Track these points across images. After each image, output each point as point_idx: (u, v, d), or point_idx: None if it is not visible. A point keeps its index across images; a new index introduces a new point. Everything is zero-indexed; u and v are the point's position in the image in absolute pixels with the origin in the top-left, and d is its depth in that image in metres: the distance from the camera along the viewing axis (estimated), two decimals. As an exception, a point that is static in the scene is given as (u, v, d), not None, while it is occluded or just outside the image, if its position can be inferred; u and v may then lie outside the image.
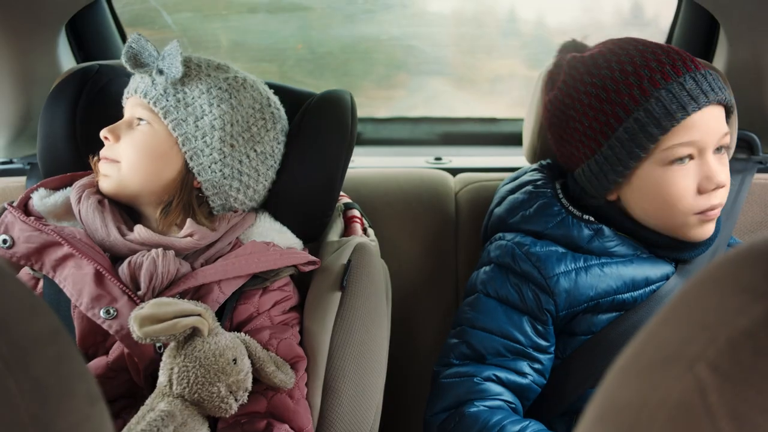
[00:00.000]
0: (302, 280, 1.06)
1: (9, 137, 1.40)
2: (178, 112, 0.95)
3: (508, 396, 0.99)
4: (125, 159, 0.96)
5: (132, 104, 0.99)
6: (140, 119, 0.97)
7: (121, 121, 0.99)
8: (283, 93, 1.11)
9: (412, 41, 1.99)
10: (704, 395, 0.29)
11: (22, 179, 1.34)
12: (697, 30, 1.51)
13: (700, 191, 0.97)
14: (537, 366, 1.01)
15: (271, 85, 1.09)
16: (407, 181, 1.42)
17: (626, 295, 1.01)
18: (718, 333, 0.30)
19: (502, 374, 1.00)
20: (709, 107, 0.95)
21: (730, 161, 1.25)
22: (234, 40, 2.00)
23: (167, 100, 0.95)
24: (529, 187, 1.12)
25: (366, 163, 1.58)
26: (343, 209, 1.18)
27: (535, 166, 1.19)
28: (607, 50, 1.01)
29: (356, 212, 1.18)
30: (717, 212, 1.00)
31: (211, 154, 0.96)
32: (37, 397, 0.31)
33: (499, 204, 1.15)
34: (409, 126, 1.88)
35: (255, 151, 1.00)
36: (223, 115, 0.96)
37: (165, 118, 0.95)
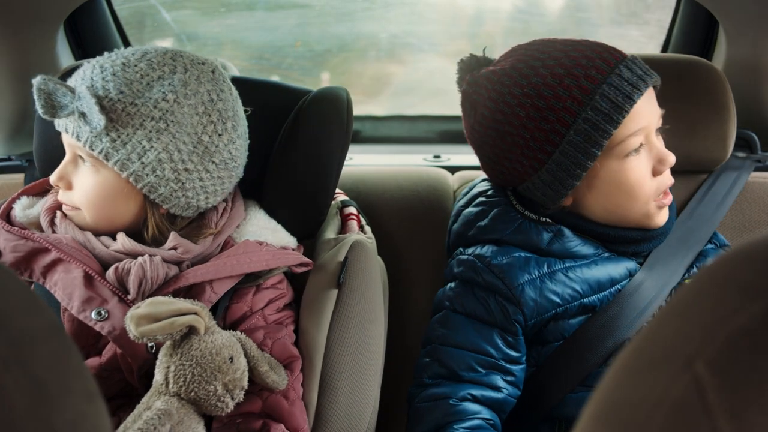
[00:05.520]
0: (298, 277, 1.06)
1: (7, 134, 1.40)
2: (118, 153, 0.88)
3: (486, 413, 0.97)
4: (84, 207, 0.93)
5: (68, 142, 0.93)
6: (82, 157, 0.92)
7: (65, 162, 0.94)
8: (280, 90, 1.11)
9: (410, 39, 1.99)
10: (702, 394, 0.29)
11: (20, 176, 1.34)
12: (696, 28, 1.51)
13: (655, 174, 0.99)
14: (510, 378, 1.00)
15: (268, 83, 1.09)
16: (406, 179, 1.41)
17: (592, 298, 1.01)
18: (717, 331, 0.30)
19: (478, 392, 0.98)
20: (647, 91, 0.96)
21: (729, 159, 1.26)
22: (232, 38, 2.00)
23: (102, 141, 0.87)
24: (480, 199, 1.11)
25: (364, 161, 1.58)
26: (339, 207, 1.18)
27: (483, 176, 1.17)
28: (527, 57, 0.98)
29: (353, 210, 1.18)
30: (669, 194, 1.02)
31: (167, 185, 0.91)
32: (34, 394, 0.31)
33: (455, 221, 1.14)
34: (408, 124, 1.88)
35: (213, 162, 0.93)
36: (167, 146, 0.89)
37: (107, 161, 0.88)
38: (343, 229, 1.14)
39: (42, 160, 1.12)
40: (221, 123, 0.93)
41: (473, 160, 1.60)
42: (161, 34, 1.89)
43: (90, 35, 1.54)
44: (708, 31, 1.49)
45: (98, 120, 0.85)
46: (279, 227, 1.05)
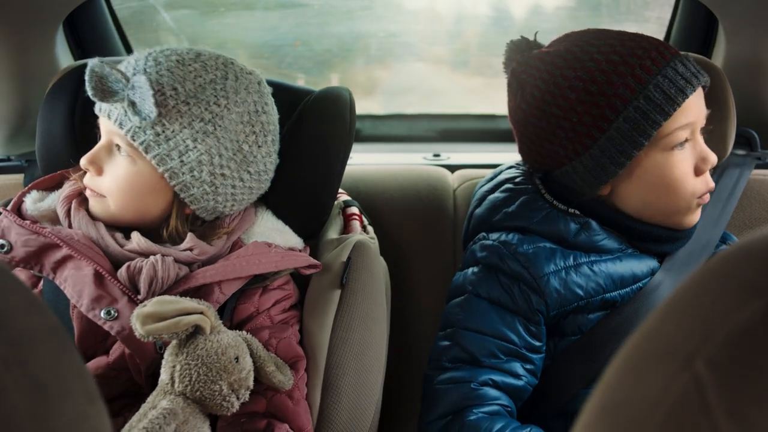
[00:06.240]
0: (302, 278, 1.06)
1: (6, 134, 1.40)
2: (159, 147, 0.88)
3: (504, 400, 0.97)
4: (112, 197, 0.93)
5: (107, 128, 0.92)
6: (119, 146, 0.92)
7: (99, 147, 0.93)
8: (282, 90, 1.10)
9: (410, 38, 1.99)
10: (702, 392, 0.29)
11: (20, 177, 1.34)
12: (696, 25, 1.51)
13: (697, 173, 0.99)
14: (530, 367, 0.99)
15: (269, 83, 1.09)
16: (406, 178, 1.41)
17: (614, 294, 1.01)
18: (716, 329, 0.30)
19: (498, 378, 0.97)
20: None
21: (729, 157, 1.26)
22: (231, 37, 2.00)
23: (146, 134, 0.88)
24: (508, 185, 1.10)
25: (364, 160, 1.57)
26: (342, 207, 1.18)
27: (510, 163, 1.17)
28: (582, 42, 0.98)
29: (355, 210, 1.18)
30: (708, 195, 1.02)
31: (201, 187, 0.92)
32: (34, 395, 0.31)
33: (478, 205, 1.12)
34: (408, 123, 1.88)
35: (248, 172, 0.95)
36: (210, 149, 0.90)
37: (146, 153, 0.88)
38: (345, 229, 1.14)
39: (45, 159, 1.12)
40: (262, 135, 0.96)
41: (473, 158, 1.61)
42: (160, 34, 1.89)
43: (89, 35, 1.53)
44: (707, 28, 1.49)
45: (150, 111, 0.85)
46: (287, 228, 1.05)
